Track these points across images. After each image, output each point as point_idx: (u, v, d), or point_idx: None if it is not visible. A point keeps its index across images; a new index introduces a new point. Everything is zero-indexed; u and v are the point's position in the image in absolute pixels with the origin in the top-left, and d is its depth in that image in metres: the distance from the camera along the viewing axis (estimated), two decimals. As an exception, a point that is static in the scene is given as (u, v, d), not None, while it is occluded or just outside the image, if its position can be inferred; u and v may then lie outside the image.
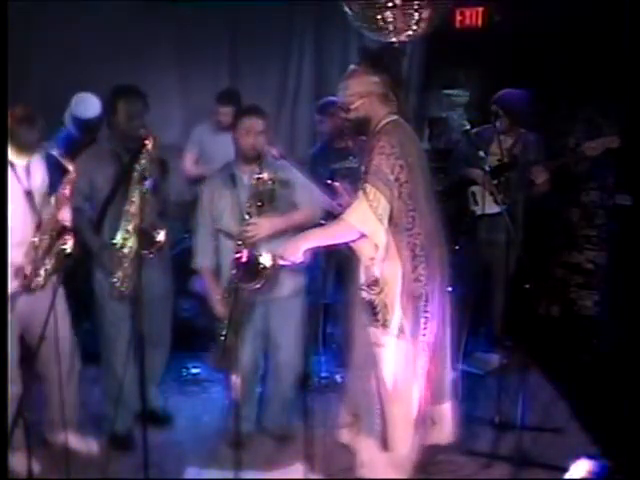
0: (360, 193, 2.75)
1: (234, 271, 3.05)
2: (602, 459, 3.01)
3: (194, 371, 4.16)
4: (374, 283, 2.84)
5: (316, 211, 3.26)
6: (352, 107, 2.86)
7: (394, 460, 2.98)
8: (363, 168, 2.83)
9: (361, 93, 2.86)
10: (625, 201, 4.47)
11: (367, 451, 3.04)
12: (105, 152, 3.31)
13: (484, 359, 4.22)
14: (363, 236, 2.79)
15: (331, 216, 3.15)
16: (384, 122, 2.86)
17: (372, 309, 2.85)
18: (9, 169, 2.89)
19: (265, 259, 3.03)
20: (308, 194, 3.27)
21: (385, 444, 2.97)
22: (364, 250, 2.84)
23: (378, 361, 2.89)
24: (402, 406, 2.92)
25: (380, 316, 2.84)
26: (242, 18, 5.14)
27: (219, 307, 3.22)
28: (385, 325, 2.83)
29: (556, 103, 4.62)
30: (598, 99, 4.59)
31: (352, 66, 2.94)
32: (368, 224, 2.74)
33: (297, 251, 2.86)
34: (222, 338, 3.14)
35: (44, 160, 3.05)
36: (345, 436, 3.20)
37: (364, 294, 2.87)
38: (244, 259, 2.98)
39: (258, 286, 3.04)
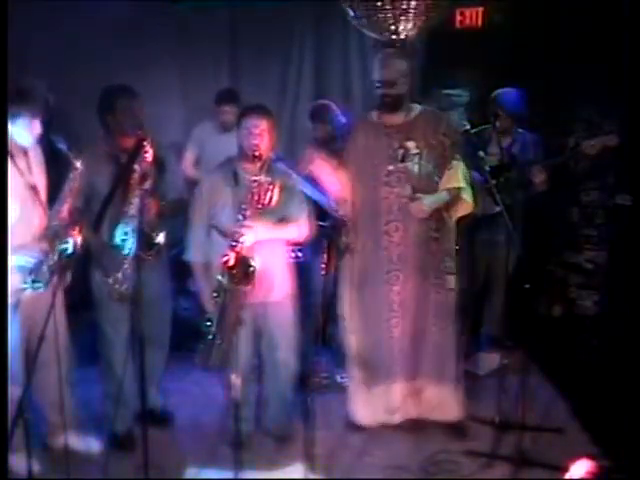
0: (454, 163, 3.34)
1: (223, 271, 3.02)
2: (602, 459, 3.02)
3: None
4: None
5: (306, 230, 3.29)
6: (398, 83, 3.16)
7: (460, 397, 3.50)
8: (434, 142, 3.29)
9: (403, 72, 3.20)
10: (625, 201, 4.47)
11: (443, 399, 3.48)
12: (102, 153, 3.30)
13: (484, 359, 4.22)
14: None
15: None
16: (425, 108, 3.35)
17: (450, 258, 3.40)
18: (10, 163, 2.88)
19: (255, 262, 3.00)
20: (302, 211, 3.27)
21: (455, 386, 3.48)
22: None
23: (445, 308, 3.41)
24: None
25: (449, 264, 3.39)
26: (242, 18, 5.15)
27: (209, 304, 3.19)
28: (451, 271, 3.39)
29: (556, 103, 4.62)
30: (598, 99, 4.59)
31: (388, 49, 3.37)
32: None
33: (425, 210, 3.28)
34: (210, 337, 3.11)
35: (50, 153, 3.04)
36: (413, 410, 3.51)
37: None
38: (232, 262, 2.96)
39: (247, 288, 3.00)
